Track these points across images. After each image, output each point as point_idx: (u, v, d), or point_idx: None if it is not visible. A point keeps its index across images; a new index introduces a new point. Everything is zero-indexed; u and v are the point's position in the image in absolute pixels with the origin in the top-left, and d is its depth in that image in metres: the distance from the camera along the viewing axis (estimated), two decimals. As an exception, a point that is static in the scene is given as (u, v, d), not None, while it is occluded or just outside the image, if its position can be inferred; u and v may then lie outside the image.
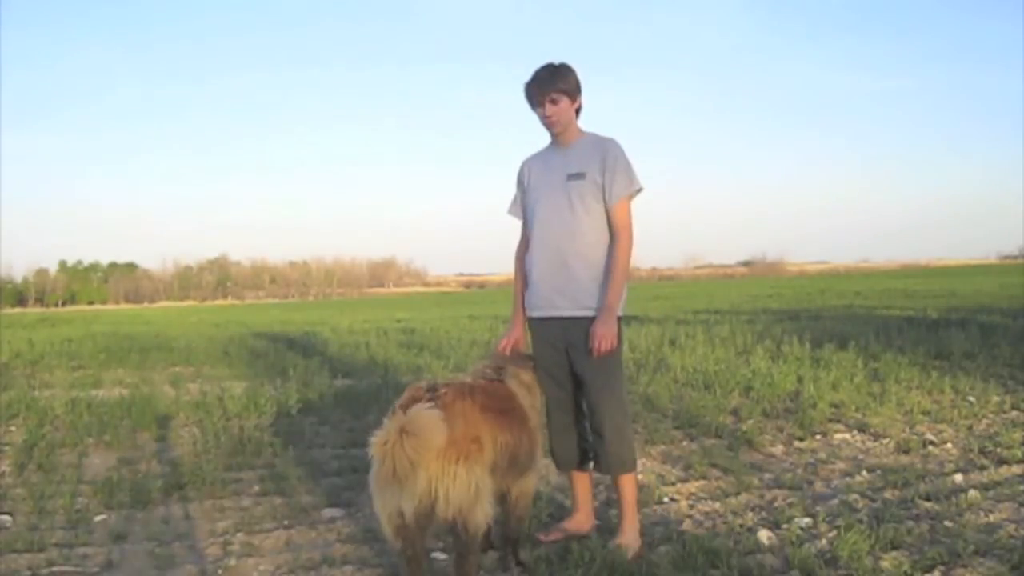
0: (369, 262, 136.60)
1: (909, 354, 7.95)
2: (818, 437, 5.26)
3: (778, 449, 5.03)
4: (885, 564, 3.16)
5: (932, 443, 5.01)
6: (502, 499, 3.13)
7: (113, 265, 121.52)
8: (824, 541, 3.41)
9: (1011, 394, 6.21)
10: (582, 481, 3.64)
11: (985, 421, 5.52)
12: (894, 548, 3.30)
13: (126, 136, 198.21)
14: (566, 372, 3.47)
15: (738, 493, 4.15)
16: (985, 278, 34.30)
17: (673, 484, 4.36)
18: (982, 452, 4.74)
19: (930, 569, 3.11)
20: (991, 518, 3.63)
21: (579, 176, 3.41)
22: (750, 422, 5.61)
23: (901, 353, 8.01)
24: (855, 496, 4.00)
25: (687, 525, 3.72)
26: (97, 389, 7.99)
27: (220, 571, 3.36)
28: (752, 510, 3.90)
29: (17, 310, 76.32)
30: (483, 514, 2.83)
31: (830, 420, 5.66)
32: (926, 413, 5.77)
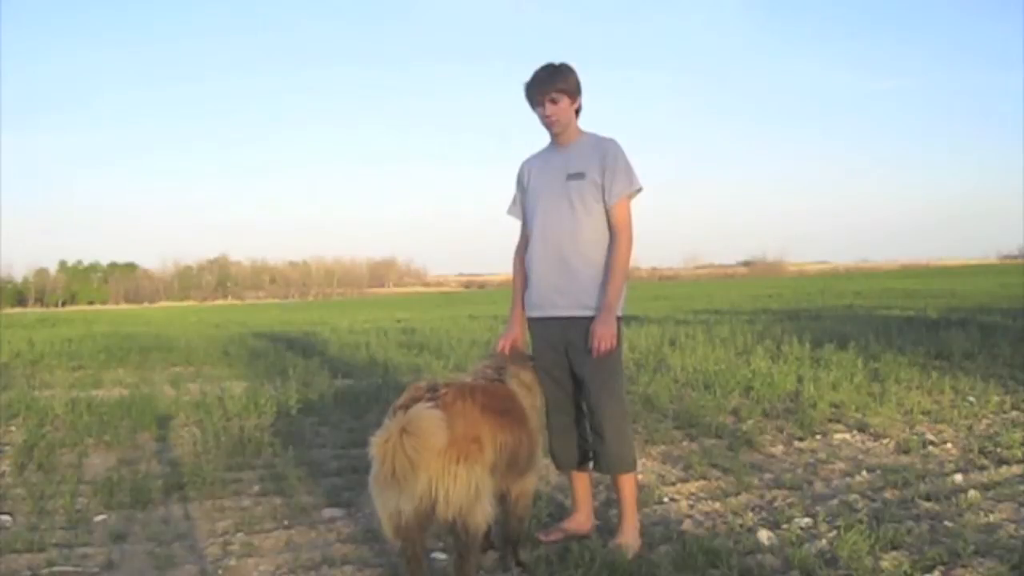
0: (369, 262, 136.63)
1: (909, 354, 7.96)
2: (818, 437, 5.27)
3: (778, 449, 5.03)
4: (885, 564, 3.16)
5: (932, 443, 5.01)
6: (502, 499, 3.13)
7: (113, 265, 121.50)
8: (824, 541, 3.41)
9: (1011, 394, 6.21)
10: (582, 481, 3.64)
11: (985, 421, 5.52)
12: (894, 548, 3.30)
13: (126, 136, 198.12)
14: (566, 372, 3.47)
15: (738, 493, 4.15)
16: (985, 278, 34.31)
17: (673, 484, 4.36)
18: (982, 452, 4.74)
19: (930, 569, 3.11)
20: (991, 518, 3.63)
21: (579, 176, 3.41)
22: (750, 422, 5.61)
23: (901, 353, 8.01)
24: (855, 496, 4.00)
25: (687, 525, 3.72)
26: (97, 389, 8.00)
27: (220, 571, 3.36)
28: (752, 510, 3.90)
29: (17, 310, 76.30)
30: (483, 514, 2.83)
31: (830, 420, 5.66)
32: (926, 413, 5.77)
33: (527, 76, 3.44)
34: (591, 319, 3.35)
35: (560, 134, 3.48)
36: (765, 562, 3.22)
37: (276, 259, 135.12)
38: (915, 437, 5.10)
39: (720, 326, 11.81)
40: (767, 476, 4.45)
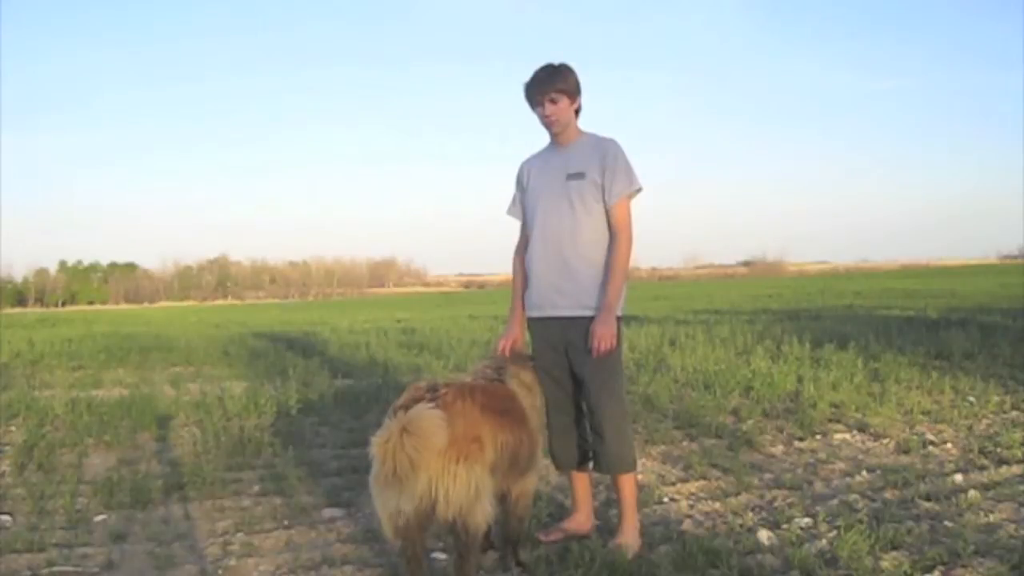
0: (369, 262, 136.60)
1: (909, 354, 7.96)
2: (818, 437, 5.27)
3: (778, 449, 5.03)
4: (885, 564, 3.16)
5: (932, 443, 5.01)
6: (502, 499, 3.13)
7: (113, 265, 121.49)
8: (824, 541, 3.41)
9: (1011, 394, 6.21)
10: (582, 481, 3.64)
11: (985, 421, 5.52)
12: (894, 548, 3.30)
13: (126, 136, 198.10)
14: (566, 372, 3.47)
15: (738, 493, 4.15)
16: (985, 278, 34.31)
17: (673, 484, 4.36)
18: (982, 452, 4.74)
19: (930, 569, 3.11)
20: (991, 518, 3.63)
21: (579, 176, 3.41)
22: (750, 422, 5.61)
23: (901, 353, 8.01)
24: (855, 496, 4.00)
25: (687, 525, 3.72)
26: (97, 389, 8.00)
27: (220, 571, 3.36)
28: (752, 510, 3.90)
29: (17, 310, 76.30)
30: (483, 514, 2.83)
31: (830, 420, 5.66)
32: (926, 413, 5.77)
33: (527, 76, 3.44)
34: (591, 319, 3.35)
35: (560, 134, 3.48)
36: (765, 562, 3.22)
37: (276, 259, 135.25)
38: (915, 437, 5.10)
39: (720, 326, 11.81)
40: (767, 476, 4.45)
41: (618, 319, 3.37)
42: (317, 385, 7.53)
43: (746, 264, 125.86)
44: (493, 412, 2.98)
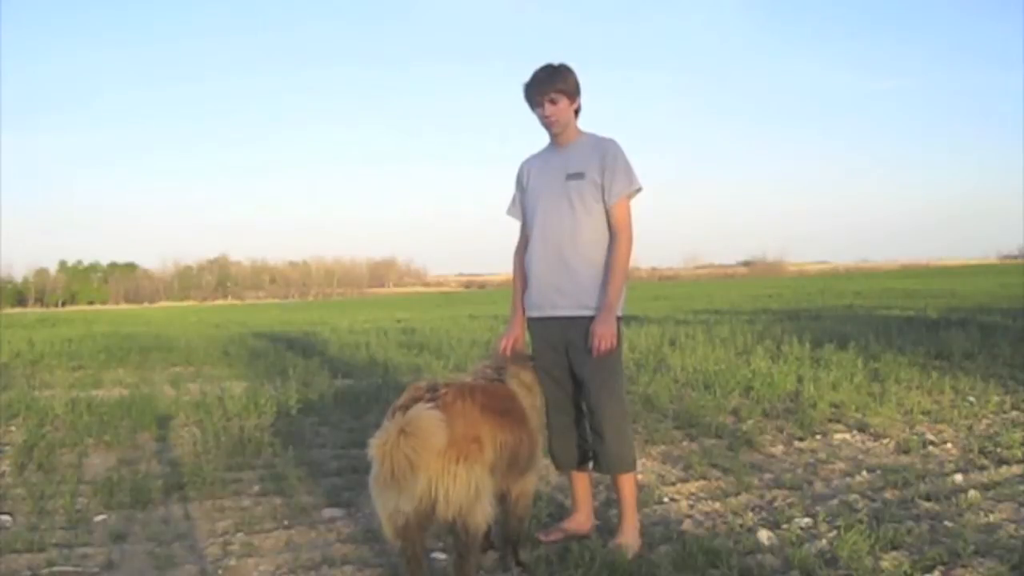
0: (369, 262, 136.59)
1: (909, 354, 7.96)
2: (818, 437, 5.27)
3: (778, 449, 5.03)
4: (885, 564, 3.16)
5: (932, 443, 5.01)
6: (502, 499, 3.13)
7: (113, 265, 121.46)
8: (824, 541, 3.41)
9: (1011, 394, 6.21)
10: (582, 481, 3.64)
11: (985, 421, 5.52)
12: (894, 548, 3.30)
13: (126, 136, 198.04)
14: (566, 372, 3.47)
15: (738, 493, 4.15)
16: (985, 278, 34.31)
17: (673, 484, 4.36)
18: (982, 452, 4.74)
19: (930, 569, 3.11)
20: (991, 518, 3.63)
21: (578, 176, 3.41)
22: (750, 422, 5.61)
23: (901, 353, 8.01)
24: (855, 496, 4.00)
25: (687, 525, 3.72)
26: (97, 389, 8.00)
27: (220, 571, 3.36)
28: (752, 510, 3.90)
29: (17, 310, 76.29)
30: (483, 514, 2.83)
31: (830, 420, 5.66)
32: (926, 413, 5.77)
33: (527, 76, 3.44)
34: (591, 319, 3.35)
35: (559, 134, 3.48)
36: (765, 562, 3.22)
37: (276, 259, 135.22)
38: (915, 437, 5.10)
39: (720, 326, 11.81)
40: (767, 476, 4.45)
41: (618, 319, 3.37)
42: (317, 385, 7.53)
43: (746, 264, 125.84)
44: (493, 412, 2.98)
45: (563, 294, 3.42)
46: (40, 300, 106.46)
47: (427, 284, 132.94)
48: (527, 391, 3.35)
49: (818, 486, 4.26)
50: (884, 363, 7.41)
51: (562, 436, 3.56)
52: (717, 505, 4.00)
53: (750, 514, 3.83)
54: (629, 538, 3.37)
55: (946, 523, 3.57)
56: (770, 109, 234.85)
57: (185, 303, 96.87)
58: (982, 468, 4.45)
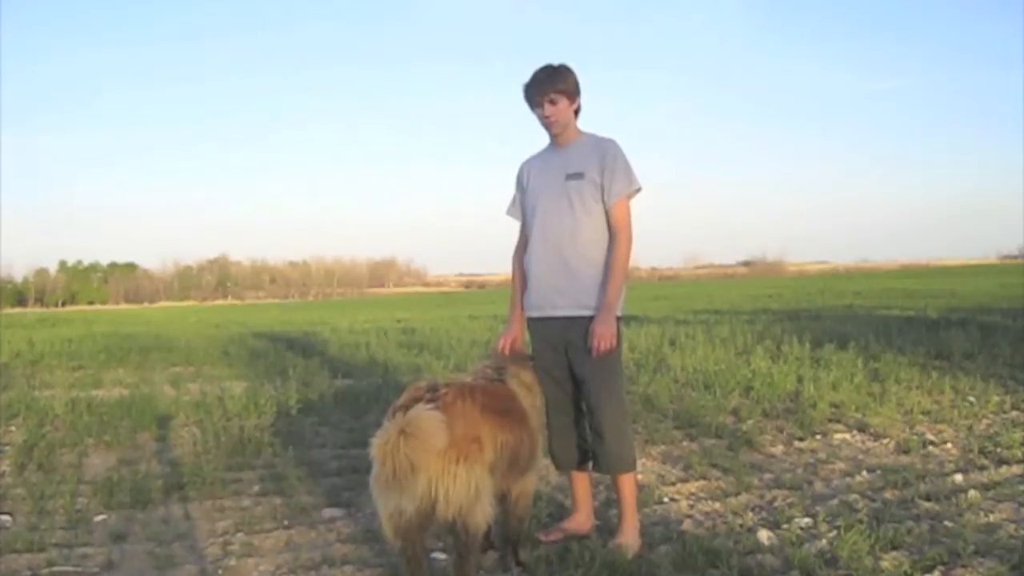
0: (369, 262, 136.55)
1: (909, 354, 7.96)
2: (818, 437, 5.26)
3: (778, 449, 5.03)
4: (885, 564, 3.16)
5: (932, 443, 5.01)
6: (502, 499, 3.13)
7: (113, 265, 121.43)
8: (824, 541, 3.41)
9: (1011, 394, 6.21)
10: (582, 481, 3.64)
11: (985, 421, 5.52)
12: (894, 548, 3.31)
13: (126, 136, 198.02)
14: (565, 372, 3.47)
15: (738, 493, 4.15)
16: (985, 278, 34.31)
17: (673, 484, 4.36)
18: (982, 452, 4.74)
19: (930, 569, 3.11)
20: (991, 518, 3.63)
21: (578, 176, 3.41)
22: (750, 422, 5.61)
23: (901, 353, 8.01)
24: (855, 496, 4.00)
25: (687, 525, 3.72)
26: (97, 389, 8.00)
27: (220, 571, 3.36)
28: (752, 510, 3.90)
29: (17, 310, 76.26)
30: (483, 514, 2.83)
31: (830, 420, 5.66)
32: (926, 413, 5.77)
33: (527, 77, 3.44)
34: (591, 319, 3.35)
35: (559, 135, 3.48)
36: (765, 562, 3.22)
37: (276, 259, 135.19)
38: (915, 437, 5.10)
39: (720, 326, 11.81)
40: (767, 476, 4.45)
41: (618, 319, 3.37)
42: (317, 385, 7.53)
43: (746, 264, 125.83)
44: (493, 412, 2.98)
45: (563, 294, 3.42)
46: (40, 300, 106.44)
47: (427, 284, 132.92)
48: (527, 391, 3.35)
49: (818, 486, 4.26)
50: (884, 363, 7.41)
51: (562, 436, 3.56)
52: (717, 505, 4.00)
53: (750, 514, 3.83)
54: (629, 538, 3.37)
55: (946, 523, 3.57)
56: (770, 109, 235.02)
57: (185, 303, 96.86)
58: (982, 468, 4.45)
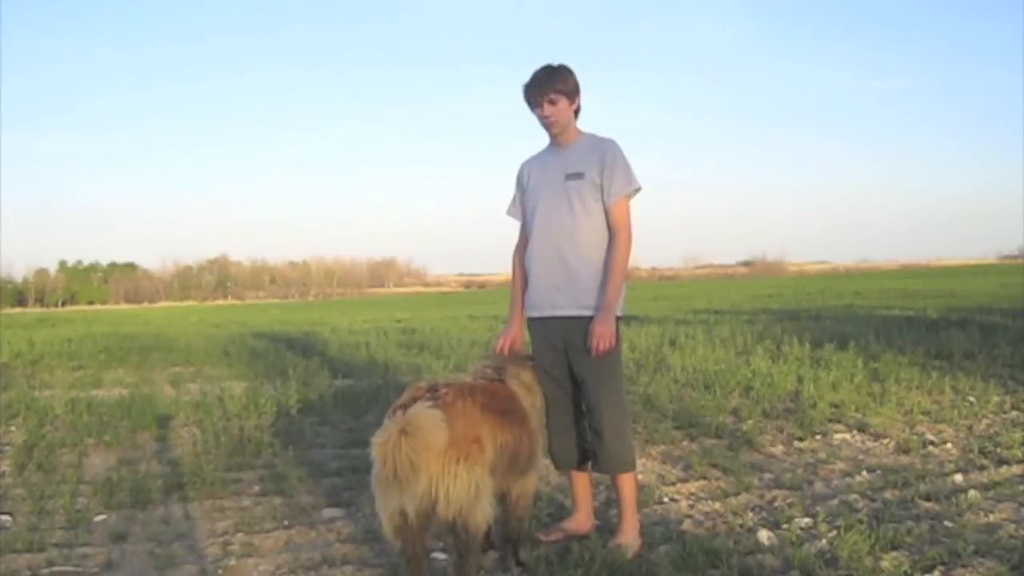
0: (369, 262, 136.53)
1: (909, 354, 7.96)
2: (818, 437, 5.26)
3: (778, 449, 5.03)
4: (885, 564, 3.16)
5: (932, 443, 5.01)
6: (502, 499, 3.14)
7: (113, 265, 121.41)
8: (824, 541, 3.41)
9: (1011, 394, 6.21)
10: (582, 481, 3.64)
11: (985, 421, 5.53)
12: (894, 548, 3.30)
13: (126, 136, 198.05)
14: (565, 372, 3.47)
15: (738, 493, 4.15)
16: (985, 278, 34.31)
17: (673, 484, 4.36)
18: (982, 452, 4.75)
19: (930, 569, 3.11)
20: (991, 518, 3.63)
21: (578, 176, 3.41)
22: (750, 422, 5.61)
23: (901, 353, 8.01)
24: (855, 496, 4.00)
25: (687, 525, 3.72)
26: (97, 389, 8.00)
27: (220, 571, 3.36)
28: (752, 510, 3.90)
29: (17, 310, 76.23)
30: (483, 514, 2.83)
31: (830, 420, 5.66)
32: (926, 413, 5.77)
33: (526, 77, 3.44)
34: (590, 319, 3.35)
35: (559, 135, 3.48)
36: (765, 562, 3.22)
37: (276, 259, 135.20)
38: (915, 437, 5.10)
39: (720, 326, 11.81)
40: (767, 476, 4.45)
41: (617, 319, 3.37)
42: (317, 385, 7.53)
43: (746, 264, 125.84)
44: (493, 412, 2.98)
45: (563, 294, 3.42)
46: (40, 300, 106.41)
47: (427, 284, 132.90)
48: (527, 391, 3.35)
49: (818, 486, 4.26)
50: (884, 363, 7.41)
51: (562, 436, 3.56)
52: (717, 505, 4.00)
53: (750, 514, 3.83)
54: (629, 538, 3.37)
55: (946, 523, 3.57)
56: (770, 109, 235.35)
57: (185, 303, 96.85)
58: (982, 468, 4.45)
